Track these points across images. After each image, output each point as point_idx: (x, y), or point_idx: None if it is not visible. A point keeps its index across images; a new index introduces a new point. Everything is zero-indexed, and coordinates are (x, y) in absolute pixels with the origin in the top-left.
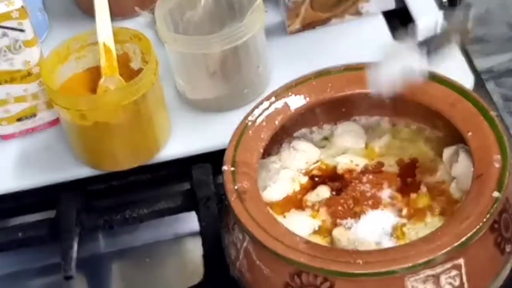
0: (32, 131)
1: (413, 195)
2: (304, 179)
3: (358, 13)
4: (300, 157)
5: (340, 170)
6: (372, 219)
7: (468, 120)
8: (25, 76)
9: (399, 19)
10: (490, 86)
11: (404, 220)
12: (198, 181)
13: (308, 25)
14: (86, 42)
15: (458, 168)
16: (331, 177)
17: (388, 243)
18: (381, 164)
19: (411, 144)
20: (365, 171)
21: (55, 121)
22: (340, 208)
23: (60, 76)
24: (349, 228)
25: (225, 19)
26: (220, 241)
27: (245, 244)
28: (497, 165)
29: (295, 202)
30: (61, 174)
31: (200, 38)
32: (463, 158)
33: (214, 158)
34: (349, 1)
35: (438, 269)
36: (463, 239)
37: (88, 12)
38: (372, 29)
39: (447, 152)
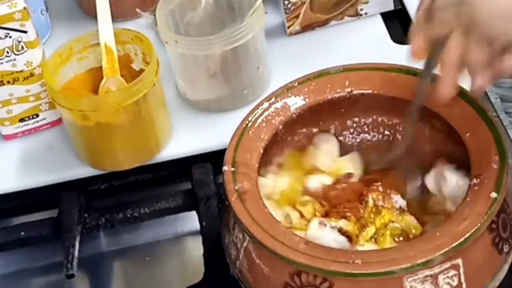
0: (34, 131)
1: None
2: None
3: (357, 15)
4: None
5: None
6: None
7: (466, 121)
8: (28, 76)
9: (398, 20)
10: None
11: None
12: (198, 181)
13: (308, 27)
14: (88, 43)
15: (449, 186)
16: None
17: None
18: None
19: None
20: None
21: (57, 122)
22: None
23: (62, 77)
24: None
25: (226, 21)
26: (220, 240)
27: (245, 243)
28: (495, 166)
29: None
30: (63, 174)
31: (201, 39)
32: (450, 176)
33: (214, 158)
34: (348, 3)
35: (437, 269)
36: (461, 239)
37: (90, 13)
38: (371, 30)
39: (430, 178)
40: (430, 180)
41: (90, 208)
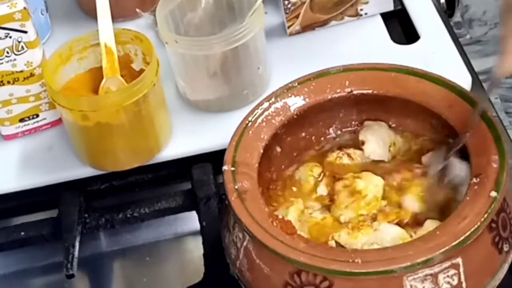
0: (34, 131)
1: None
2: None
3: (357, 15)
4: None
5: None
6: None
7: (466, 121)
8: (28, 77)
9: (397, 21)
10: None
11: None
12: (198, 181)
13: (308, 27)
14: (88, 44)
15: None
16: None
17: None
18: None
19: None
20: None
21: (57, 122)
22: None
23: (62, 77)
24: None
25: (226, 21)
26: (220, 240)
27: (245, 243)
28: (494, 165)
29: None
30: (63, 174)
31: (201, 39)
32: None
33: (214, 158)
34: (348, 3)
35: (437, 268)
36: (461, 238)
37: (90, 13)
38: (371, 30)
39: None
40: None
41: (90, 208)
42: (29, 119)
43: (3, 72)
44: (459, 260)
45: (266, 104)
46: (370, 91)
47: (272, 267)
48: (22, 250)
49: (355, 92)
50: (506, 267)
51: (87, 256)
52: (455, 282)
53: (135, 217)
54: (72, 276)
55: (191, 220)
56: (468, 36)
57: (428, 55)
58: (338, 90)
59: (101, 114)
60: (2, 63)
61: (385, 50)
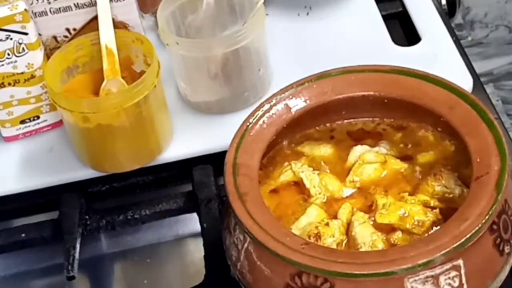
0: (35, 133)
1: None
2: None
3: None
4: None
5: None
6: None
7: (467, 123)
8: (29, 78)
9: (399, 22)
10: (489, 89)
11: None
12: (199, 183)
13: None
14: (88, 45)
15: None
16: None
17: None
18: None
19: None
20: None
21: (58, 123)
22: None
23: (63, 79)
24: None
25: (227, 22)
26: (221, 242)
27: (246, 245)
28: (495, 167)
29: None
30: (64, 176)
31: (202, 41)
32: None
33: (215, 160)
34: None
35: (438, 270)
36: (462, 240)
37: None
38: (372, 32)
39: None
40: None
41: (90, 210)
42: (30, 121)
43: (4, 74)
44: (460, 262)
45: (267, 106)
46: (371, 93)
47: (273, 269)
48: (22, 252)
49: (356, 94)
50: (507, 269)
51: (87, 258)
52: (456, 284)
53: (136, 219)
54: (72, 278)
55: (192, 222)
56: (469, 38)
57: (429, 57)
58: (339, 92)
59: (102, 116)
60: (3, 65)
61: (386, 51)
